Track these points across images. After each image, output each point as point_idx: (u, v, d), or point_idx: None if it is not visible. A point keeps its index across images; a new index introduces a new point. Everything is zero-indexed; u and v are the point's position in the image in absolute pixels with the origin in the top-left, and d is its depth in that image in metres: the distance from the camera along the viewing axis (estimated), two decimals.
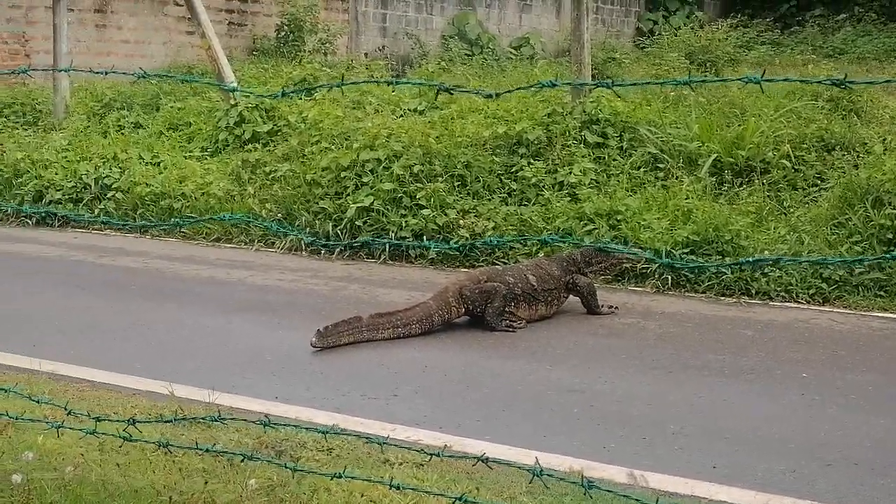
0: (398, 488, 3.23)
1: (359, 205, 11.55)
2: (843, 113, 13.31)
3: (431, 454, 3.38)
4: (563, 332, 8.63)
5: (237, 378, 7.23)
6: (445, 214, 11.21)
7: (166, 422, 3.74)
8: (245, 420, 5.22)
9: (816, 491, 5.40)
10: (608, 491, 3.89)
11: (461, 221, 11.14)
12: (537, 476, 3.08)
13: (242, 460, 4.34)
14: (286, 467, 3.50)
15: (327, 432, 4.03)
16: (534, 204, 11.50)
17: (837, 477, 5.62)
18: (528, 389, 7.10)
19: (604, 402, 6.83)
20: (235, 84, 15.07)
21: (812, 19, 29.62)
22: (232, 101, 14.75)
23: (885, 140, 11.85)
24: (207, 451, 3.72)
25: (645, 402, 6.84)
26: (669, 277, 10.01)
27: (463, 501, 3.15)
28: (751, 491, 5.39)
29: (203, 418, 3.57)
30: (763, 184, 11.53)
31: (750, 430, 6.32)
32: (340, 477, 3.35)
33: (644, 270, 10.15)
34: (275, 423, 6.09)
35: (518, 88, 3.68)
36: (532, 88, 3.56)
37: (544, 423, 6.46)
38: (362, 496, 4.81)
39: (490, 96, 3.16)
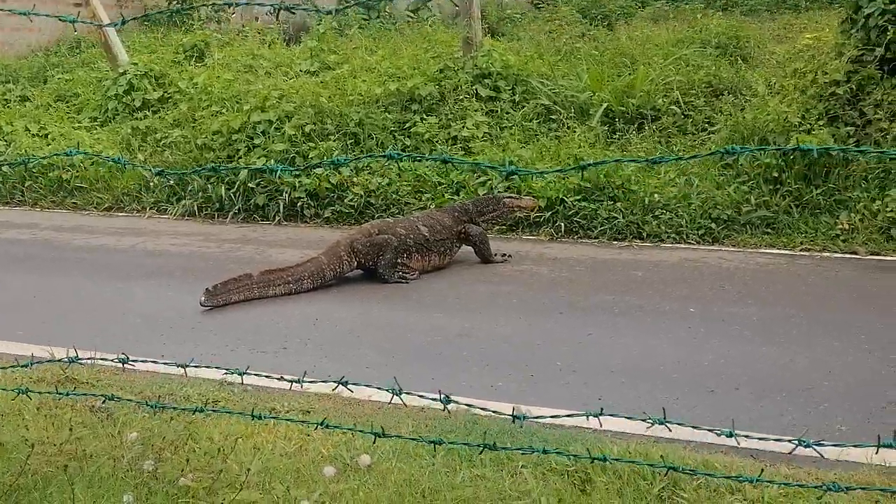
0: (259, 418, 3.19)
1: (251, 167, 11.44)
2: (731, 59, 13.50)
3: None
4: (456, 280, 8.66)
5: (124, 341, 7.11)
6: (339, 173, 11.14)
7: (23, 366, 3.64)
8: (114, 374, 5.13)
9: (697, 415, 5.49)
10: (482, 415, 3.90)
11: (355, 179, 11.08)
12: (397, 396, 3.07)
13: (103, 402, 4.27)
14: (148, 405, 3.43)
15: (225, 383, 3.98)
16: (430, 163, 11.48)
17: (718, 402, 5.73)
18: (419, 337, 7.11)
19: (493, 345, 6.87)
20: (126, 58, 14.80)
21: None
22: (121, 70, 14.47)
23: (770, 82, 12.03)
24: (67, 394, 3.64)
25: (534, 342, 6.90)
26: (563, 225, 10.11)
27: (324, 426, 3.13)
28: (631, 421, 5.46)
29: (60, 360, 3.49)
30: (654, 130, 11.65)
31: (636, 364, 6.42)
32: (202, 411, 3.29)
33: (537, 219, 10.21)
34: (158, 381, 6.07)
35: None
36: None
37: (433, 367, 6.48)
38: (241, 440, 4.77)
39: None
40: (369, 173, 11.21)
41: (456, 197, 10.56)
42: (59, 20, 3.12)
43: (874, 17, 10.69)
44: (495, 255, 9.15)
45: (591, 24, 16.84)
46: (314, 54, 15.19)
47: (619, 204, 10.08)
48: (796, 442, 2.72)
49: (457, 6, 15.22)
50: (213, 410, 3.70)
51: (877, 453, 2.76)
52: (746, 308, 7.56)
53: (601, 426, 5.07)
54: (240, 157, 11.69)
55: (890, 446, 2.66)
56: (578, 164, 2.94)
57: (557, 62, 13.68)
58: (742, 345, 6.73)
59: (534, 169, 10.46)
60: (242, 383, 4.46)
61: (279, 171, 3.07)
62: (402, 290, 8.39)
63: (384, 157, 2.94)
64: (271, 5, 3.37)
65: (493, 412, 3.52)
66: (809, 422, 5.41)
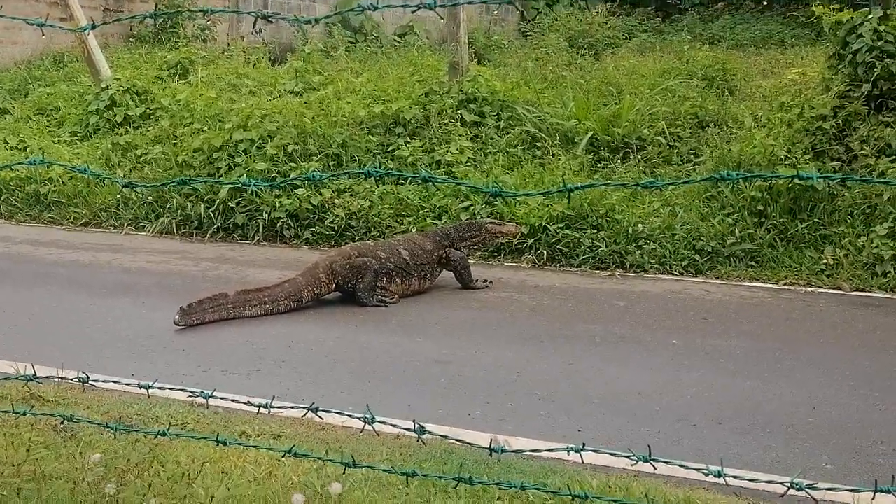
0: (225, 444, 3.02)
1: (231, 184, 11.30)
2: (718, 91, 13.46)
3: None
4: (436, 305, 8.53)
5: (93, 358, 6.93)
6: (320, 194, 11.00)
7: None
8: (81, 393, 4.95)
9: (681, 450, 5.35)
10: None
11: (336, 201, 10.95)
12: (369, 424, 2.90)
13: (62, 422, 4.09)
14: (109, 427, 3.25)
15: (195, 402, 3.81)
16: (411, 182, 11.34)
17: (701, 437, 5.59)
18: (397, 362, 6.96)
19: (472, 372, 6.72)
20: (109, 72, 14.64)
21: (693, 7, 30.01)
22: (103, 85, 14.31)
23: (756, 116, 11.98)
24: (24, 413, 3.46)
25: (514, 371, 6.75)
26: (545, 252, 9.99)
27: (293, 454, 2.97)
28: (612, 455, 5.31)
29: (18, 377, 3.32)
30: (639, 160, 11.58)
31: (618, 395, 6.28)
32: (164, 435, 3.13)
33: (520, 246, 10.09)
34: (126, 401, 5.88)
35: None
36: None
37: (410, 393, 6.33)
38: (209, 464, 4.59)
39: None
40: (351, 195, 11.08)
41: (438, 221, 10.44)
42: (27, 23, 2.96)
43: (861, 53, 10.64)
44: (476, 280, 9.02)
45: (577, 53, 16.83)
46: (299, 75, 15.08)
47: (602, 233, 9.97)
48: (789, 484, 2.57)
49: (444, 28, 15.16)
50: (178, 435, 3.52)
51: (873, 499, 2.62)
52: (730, 341, 7.44)
53: (582, 461, 4.92)
54: (220, 176, 11.54)
55: (888, 491, 2.51)
56: (565, 187, 2.80)
57: (543, 90, 13.61)
58: (725, 378, 6.60)
59: (517, 191, 10.36)
60: (208, 407, 4.29)
61: (252, 186, 2.92)
62: (380, 314, 8.25)
63: (363, 174, 2.80)
64: (249, 13, 3.22)
65: (470, 444, 3.36)
66: (794, 459, 5.28)
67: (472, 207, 10.58)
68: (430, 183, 2.90)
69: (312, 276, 8.42)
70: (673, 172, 11.29)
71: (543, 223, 10.12)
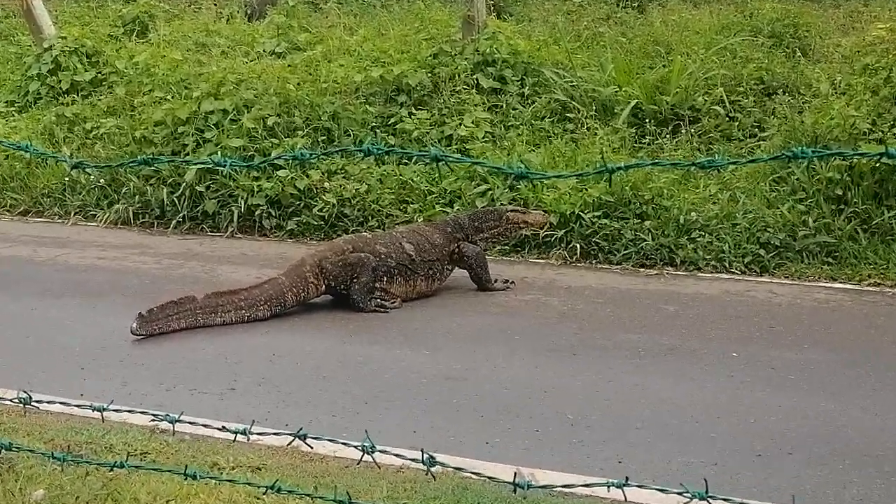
0: (195, 478, 3.05)
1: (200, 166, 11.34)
2: (787, 51, 13.44)
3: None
4: (447, 311, 8.56)
5: (33, 373, 6.97)
6: (307, 176, 11.03)
7: None
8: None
9: (744, 485, 5.36)
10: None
11: (326, 184, 10.98)
12: (369, 454, 2.92)
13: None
14: (55, 457, 3.28)
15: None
16: (416, 162, 11.37)
17: (767, 469, 5.61)
18: (400, 378, 7.00)
19: (491, 391, 6.75)
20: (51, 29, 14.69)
21: None
22: (45, 45, 14.34)
23: (834, 81, 11.96)
24: None
25: (540, 389, 6.78)
26: (578, 246, 9.99)
27: (276, 490, 2.99)
28: (661, 492, 5.33)
29: None
30: (691, 135, 11.57)
31: (665, 420, 6.29)
32: (121, 467, 3.15)
33: (548, 238, 10.11)
34: (75, 426, 5.92)
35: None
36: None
37: (417, 417, 6.36)
38: (174, 503, 4.62)
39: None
40: (344, 178, 11.11)
41: (449, 209, 10.45)
42: None
43: None
44: (495, 280, 9.05)
45: (617, 6, 16.79)
46: (281, 32, 15.10)
47: (647, 223, 9.98)
48: None
49: None
50: (137, 467, 3.54)
51: None
52: (802, 353, 7.45)
53: (625, 499, 4.92)
54: (187, 155, 11.56)
55: None
56: (604, 167, 2.81)
57: (576, 49, 13.61)
58: (796, 398, 6.61)
59: (546, 172, 10.37)
60: (174, 433, 4.32)
61: (226, 166, 2.93)
62: (380, 321, 8.29)
63: (359, 151, 2.82)
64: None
65: (489, 478, 3.37)
66: (879, 497, 5.28)
67: (491, 192, 10.59)
68: (441, 162, 2.91)
69: (298, 276, 8.46)
70: (733, 150, 11.28)
71: (577, 211, 10.12)
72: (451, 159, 2.92)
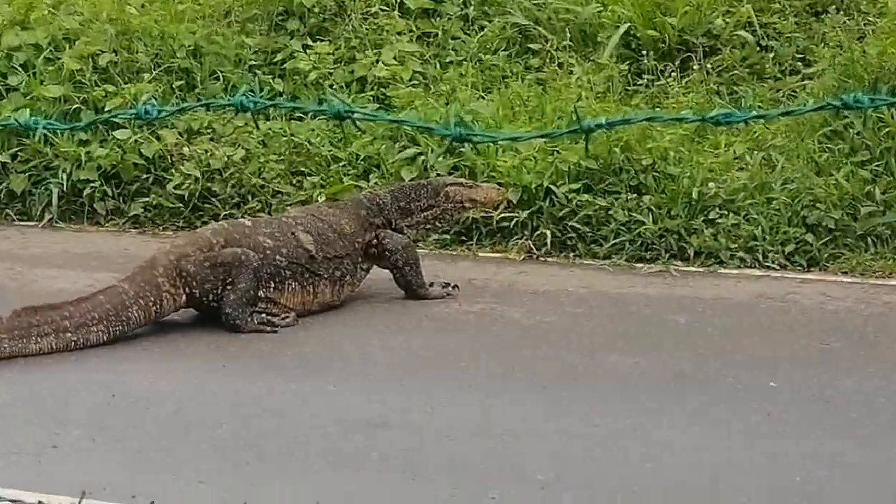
0: None
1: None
2: None
3: None
4: (363, 329, 8.60)
5: None
6: (158, 139, 10.99)
7: None
8: None
9: None
10: None
11: (185, 150, 10.95)
12: None
13: None
14: None
15: None
16: (315, 118, 11.34)
17: None
18: (296, 426, 7.01)
19: (426, 441, 6.78)
20: None
21: None
22: None
23: None
24: None
25: (498, 437, 6.81)
26: (549, 233, 10.03)
27: None
28: None
29: None
30: (707, 72, 11.64)
31: (674, 478, 6.33)
32: None
33: (506, 223, 10.14)
34: None
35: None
36: None
37: (322, 480, 6.37)
38: None
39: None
40: (211, 140, 11.09)
41: (363, 184, 10.45)
42: None
43: None
44: (430, 284, 9.06)
45: None
46: None
47: (647, 199, 10.03)
48: None
49: None
50: None
51: None
52: (868, 381, 7.50)
53: None
54: None
55: None
56: (578, 125, 2.83)
57: None
58: (862, 449, 6.64)
59: (500, 133, 10.38)
60: None
61: (40, 127, 2.94)
62: (267, 346, 8.30)
63: (229, 106, 2.83)
64: None
65: None
66: None
67: (423, 159, 10.61)
68: (348, 120, 2.92)
69: (147, 283, 8.42)
70: (766, 92, 11.35)
71: (546, 184, 10.16)
72: (362, 115, 2.93)
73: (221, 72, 11.84)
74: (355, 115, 2.98)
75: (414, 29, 12.20)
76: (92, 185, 11.02)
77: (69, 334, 8.17)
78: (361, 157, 10.79)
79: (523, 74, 11.79)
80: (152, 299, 8.44)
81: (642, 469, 6.44)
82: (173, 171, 10.95)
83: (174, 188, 10.88)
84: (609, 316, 8.72)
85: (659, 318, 8.67)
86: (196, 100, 11.40)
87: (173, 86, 11.68)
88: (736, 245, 9.79)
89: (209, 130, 11.20)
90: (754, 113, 2.71)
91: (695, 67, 11.70)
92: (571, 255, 10.03)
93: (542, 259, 9.97)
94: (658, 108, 11.01)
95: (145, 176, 11.01)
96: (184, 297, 8.55)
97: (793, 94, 11.25)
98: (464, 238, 10.24)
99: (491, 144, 10.29)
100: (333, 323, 8.71)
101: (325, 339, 8.39)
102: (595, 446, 6.73)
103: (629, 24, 12.07)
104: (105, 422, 7.12)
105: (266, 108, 2.92)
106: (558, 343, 8.21)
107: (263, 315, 8.56)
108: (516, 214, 10.12)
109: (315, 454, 6.68)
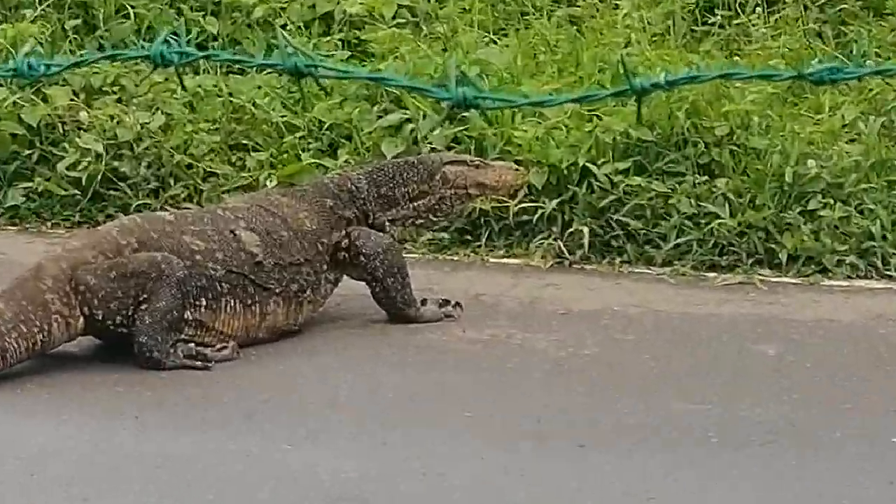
0: None
1: None
2: None
3: None
4: (330, 364, 8.59)
5: None
6: (44, 101, 10.99)
7: None
8: None
9: None
10: None
11: (83, 115, 10.95)
12: None
13: None
14: None
15: None
16: (266, 71, 11.34)
17: None
18: (242, 496, 6.99)
19: None
20: None
21: None
22: None
23: None
24: None
25: None
26: (586, 231, 10.03)
27: None
28: None
29: None
30: (806, 6, 11.67)
31: None
32: None
33: (526, 216, 10.14)
34: None
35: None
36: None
37: None
38: None
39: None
40: (120, 101, 11.09)
41: (330, 164, 10.44)
42: None
43: None
44: (422, 302, 9.07)
45: None
46: None
47: (721, 182, 10.03)
48: None
49: None
50: None
51: None
52: None
53: None
54: None
55: None
56: (628, 84, 2.80)
57: None
58: None
59: (517, 96, 10.38)
60: None
61: None
62: (197, 388, 8.28)
63: (144, 58, 2.80)
64: None
65: None
66: None
67: (412, 127, 10.61)
68: (309, 77, 2.90)
69: (30, 301, 8.41)
70: (887, 38, 11.36)
71: (581, 161, 10.16)
72: (328, 71, 2.89)
73: (132, 7, 11.85)
74: (318, 71, 2.94)
75: None
76: None
77: None
78: (326, 125, 10.78)
79: (550, 9, 11.81)
80: (37, 324, 8.40)
81: None
82: (66, 145, 10.95)
83: (67, 169, 10.87)
84: (670, 346, 8.70)
85: (739, 348, 8.66)
86: (97, 47, 11.43)
87: (66, 27, 11.69)
88: (845, 247, 9.81)
89: (116, 89, 11.20)
90: (871, 66, 2.66)
91: (786, 3, 11.74)
92: (617, 260, 10.04)
93: (577, 266, 9.98)
94: (737, 58, 11.03)
95: (27, 152, 11.01)
96: (81, 320, 8.52)
97: None
98: (468, 237, 10.24)
99: (504, 110, 10.25)
100: (289, 356, 8.70)
101: (277, 379, 8.38)
102: None
103: None
104: None
105: (195, 61, 2.90)
106: (600, 384, 8.20)
107: (191, 345, 8.54)
108: (541, 204, 10.12)
109: None
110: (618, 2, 11.61)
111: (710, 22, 11.56)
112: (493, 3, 11.84)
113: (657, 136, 10.19)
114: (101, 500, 7.06)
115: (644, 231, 10.02)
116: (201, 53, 2.79)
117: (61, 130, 10.92)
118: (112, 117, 10.96)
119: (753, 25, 11.41)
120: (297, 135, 10.81)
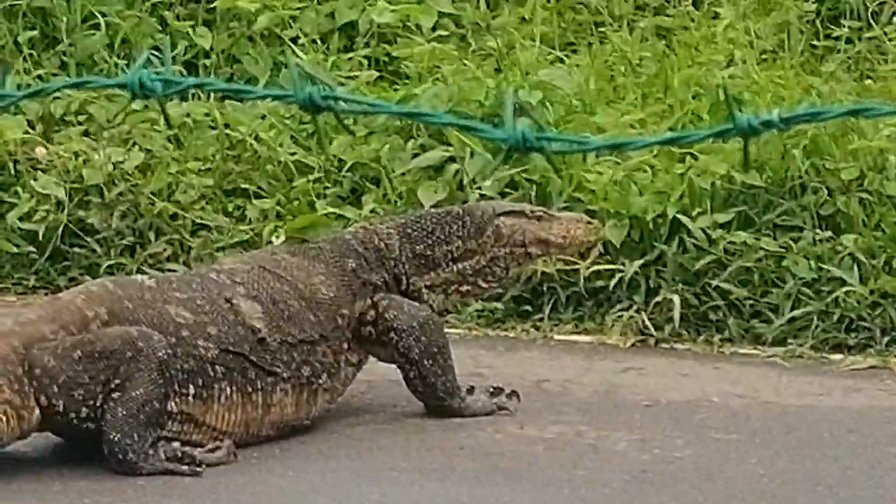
0: None
1: None
2: None
3: None
4: (352, 470, 8.53)
5: None
6: None
7: None
8: None
9: None
10: None
11: (40, 151, 10.97)
12: None
13: None
14: None
15: None
16: (269, 101, 11.32)
17: None
18: None
19: None
20: None
21: None
22: None
23: None
24: None
25: None
26: (677, 300, 10.01)
27: None
28: None
29: None
30: None
31: None
32: None
33: (601, 281, 10.13)
34: None
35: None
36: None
37: None
38: None
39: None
40: (85, 134, 11.11)
41: (352, 215, 10.44)
42: None
43: None
44: (470, 390, 9.03)
45: None
46: None
47: (849, 238, 10.00)
48: None
49: None
50: None
51: None
52: None
53: None
54: None
55: None
56: (732, 121, 2.76)
57: None
58: None
59: (590, 132, 10.39)
60: None
61: None
62: (185, 495, 8.24)
63: (118, 84, 2.77)
64: None
65: None
66: None
67: (456, 170, 10.60)
68: (329, 112, 2.86)
69: None
70: None
71: (670, 212, 10.15)
72: (351, 108, 2.85)
73: (102, 15, 11.89)
74: (339, 105, 2.89)
75: None
76: None
77: None
78: (348, 165, 10.78)
79: (632, 19, 11.82)
80: None
81: None
82: (18, 189, 10.98)
83: (20, 219, 10.90)
84: (783, 448, 8.66)
85: (874, 450, 8.62)
86: (59, 65, 11.46)
87: (19, 39, 11.74)
88: None
89: (82, 118, 11.23)
90: None
91: None
92: (717, 337, 10.01)
93: (666, 345, 9.96)
94: (869, 81, 11.03)
95: None
96: (37, 411, 8.48)
97: None
98: (528, 308, 10.22)
99: (576, 154, 10.24)
100: (298, 459, 8.66)
101: (283, 490, 8.34)
102: None
103: None
104: None
105: (185, 90, 2.86)
106: (694, 498, 8.17)
107: (176, 444, 8.50)
108: (619, 267, 10.11)
109: None
110: (717, 10, 11.59)
111: (834, 35, 11.54)
112: (561, 10, 11.84)
113: (767, 180, 10.17)
114: None
115: (750, 301, 10.00)
116: (192, 80, 2.77)
117: (12, 171, 10.93)
118: (77, 154, 10.98)
119: (890, 40, 11.40)
120: (311, 177, 10.81)
